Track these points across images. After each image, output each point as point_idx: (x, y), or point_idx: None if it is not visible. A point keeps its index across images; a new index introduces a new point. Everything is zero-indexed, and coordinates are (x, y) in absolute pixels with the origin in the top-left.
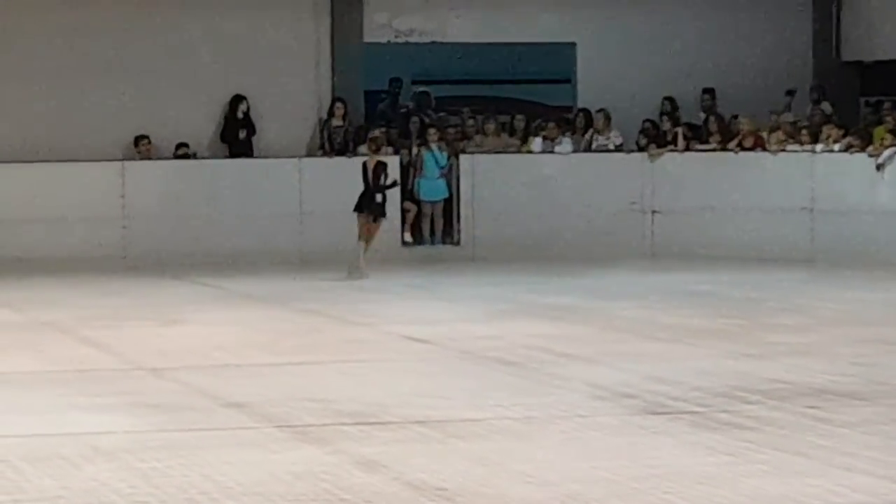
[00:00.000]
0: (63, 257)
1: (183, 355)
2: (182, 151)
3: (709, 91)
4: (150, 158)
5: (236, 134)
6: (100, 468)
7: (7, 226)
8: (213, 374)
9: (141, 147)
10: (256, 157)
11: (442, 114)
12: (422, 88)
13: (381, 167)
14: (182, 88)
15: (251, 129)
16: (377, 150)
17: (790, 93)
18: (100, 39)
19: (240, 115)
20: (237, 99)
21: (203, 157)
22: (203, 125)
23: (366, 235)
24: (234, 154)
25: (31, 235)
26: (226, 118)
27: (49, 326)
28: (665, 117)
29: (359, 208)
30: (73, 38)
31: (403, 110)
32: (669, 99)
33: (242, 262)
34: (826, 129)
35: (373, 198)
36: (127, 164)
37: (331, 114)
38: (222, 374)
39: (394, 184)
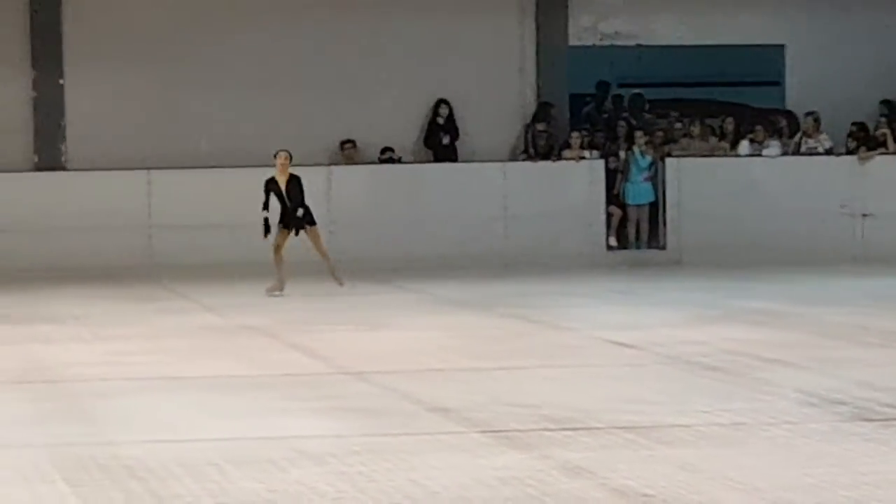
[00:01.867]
0: (270, 262)
1: (388, 359)
2: (387, 155)
3: None
4: (355, 162)
5: (439, 138)
6: (306, 472)
7: (214, 230)
8: (418, 379)
9: (347, 151)
10: (460, 161)
11: (649, 116)
12: (636, 90)
13: (296, 181)
14: (387, 92)
15: (454, 134)
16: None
17: None
18: (306, 45)
19: (440, 119)
20: (439, 103)
21: (407, 162)
22: (407, 129)
23: (318, 248)
24: (438, 158)
25: (240, 240)
26: (429, 122)
27: (254, 331)
28: (883, 119)
29: (286, 225)
30: (280, 45)
31: (606, 115)
32: (886, 102)
33: (446, 266)
34: None
35: (294, 213)
36: (333, 168)
37: (535, 118)
38: (427, 379)
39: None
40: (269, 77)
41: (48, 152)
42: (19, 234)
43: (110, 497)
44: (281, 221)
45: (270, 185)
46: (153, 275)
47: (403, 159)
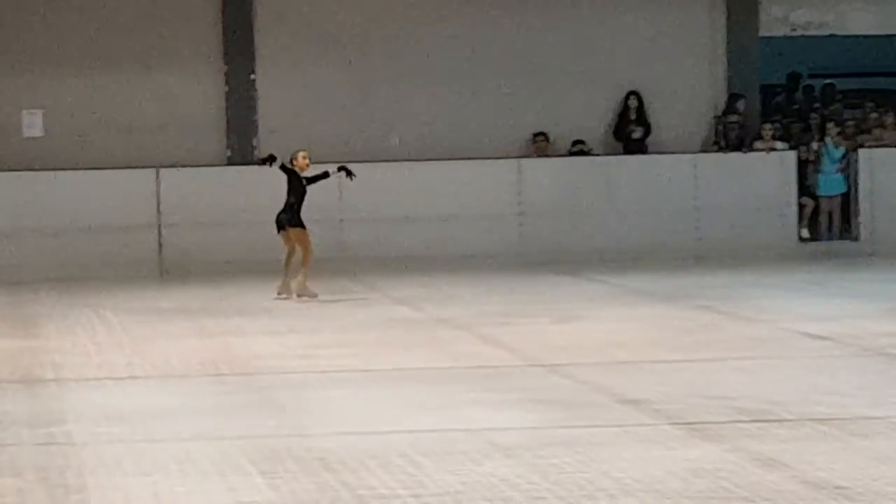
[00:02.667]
0: (460, 254)
1: (579, 352)
2: (577, 148)
3: None
4: (546, 155)
5: (629, 130)
6: (498, 464)
7: (404, 223)
8: (610, 371)
9: (538, 143)
10: (651, 153)
11: (836, 107)
12: (828, 81)
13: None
14: (578, 84)
15: (645, 126)
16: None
17: None
18: (496, 38)
19: (631, 111)
20: (630, 95)
21: (598, 154)
22: (598, 121)
23: (302, 249)
24: (628, 150)
25: (430, 232)
26: (619, 115)
27: (445, 323)
28: None
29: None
30: (470, 38)
31: (797, 106)
32: None
33: (637, 257)
34: None
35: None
36: (523, 160)
37: (726, 110)
38: (618, 371)
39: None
40: (459, 70)
41: (241, 147)
42: (213, 229)
43: (304, 488)
44: (279, 222)
45: (293, 175)
46: (344, 268)
47: (594, 151)
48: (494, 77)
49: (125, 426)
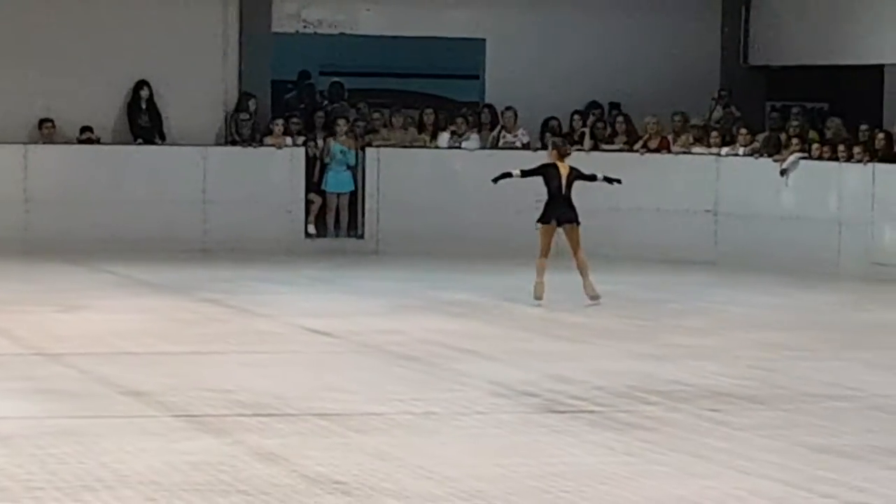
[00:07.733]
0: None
1: (82, 342)
2: (86, 136)
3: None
4: (53, 142)
5: (139, 119)
6: None
7: None
8: (113, 362)
9: (45, 130)
10: (162, 144)
11: (343, 104)
12: (336, 79)
13: (574, 172)
14: (87, 71)
15: (155, 116)
16: (565, 156)
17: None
18: (3, 20)
19: (142, 100)
20: (140, 84)
21: (107, 143)
22: (108, 109)
23: (575, 249)
24: (138, 139)
25: None
26: (128, 104)
27: None
28: (577, 116)
29: (549, 220)
30: None
31: (303, 105)
32: (593, 103)
33: (146, 249)
34: (741, 135)
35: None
36: (30, 147)
37: (237, 108)
38: (122, 362)
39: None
40: None
41: None
42: None
43: None
44: (543, 218)
45: (549, 168)
46: None
47: (103, 140)
48: (1, 58)
49: None
